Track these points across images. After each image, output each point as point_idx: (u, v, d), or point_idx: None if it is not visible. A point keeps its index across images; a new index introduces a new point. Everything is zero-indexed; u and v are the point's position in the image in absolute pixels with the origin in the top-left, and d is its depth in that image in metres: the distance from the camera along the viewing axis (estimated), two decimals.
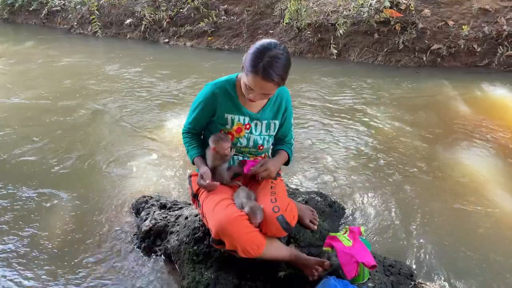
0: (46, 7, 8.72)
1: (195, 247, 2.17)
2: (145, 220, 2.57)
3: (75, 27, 8.28)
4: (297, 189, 2.83)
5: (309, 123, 4.08)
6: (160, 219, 2.53)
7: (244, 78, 1.85)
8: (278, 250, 2.05)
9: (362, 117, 4.22)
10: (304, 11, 6.45)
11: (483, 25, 5.82)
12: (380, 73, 5.66)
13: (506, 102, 4.62)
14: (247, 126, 2.09)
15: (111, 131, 4.03)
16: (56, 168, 3.36)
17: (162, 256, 2.39)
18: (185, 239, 2.22)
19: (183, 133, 2.23)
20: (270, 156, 2.33)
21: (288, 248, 2.13)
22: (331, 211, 2.64)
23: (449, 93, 4.90)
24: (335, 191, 2.97)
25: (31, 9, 8.97)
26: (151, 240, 2.46)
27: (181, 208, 2.66)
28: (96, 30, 7.72)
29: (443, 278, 2.19)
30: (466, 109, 4.43)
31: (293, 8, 6.51)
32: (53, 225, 2.69)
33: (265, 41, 1.83)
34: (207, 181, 2.01)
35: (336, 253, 1.94)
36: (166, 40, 7.46)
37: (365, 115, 4.26)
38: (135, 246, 2.49)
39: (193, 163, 2.15)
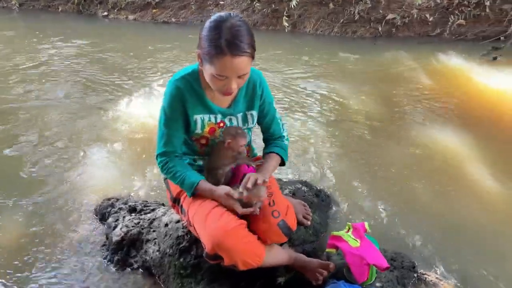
0: None
1: (181, 259, 1.90)
2: (114, 228, 2.24)
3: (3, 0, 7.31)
4: (280, 179, 2.63)
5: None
6: (133, 226, 2.22)
7: (209, 69, 1.52)
8: (277, 255, 1.85)
9: (325, 94, 4.06)
10: None
11: None
12: (337, 45, 5.52)
13: (462, 72, 4.66)
14: (221, 124, 1.79)
15: (58, 124, 3.55)
16: None
17: (140, 270, 2.10)
18: (168, 250, 1.95)
19: (160, 164, 1.79)
20: (253, 148, 2.08)
21: (286, 251, 1.93)
22: (319, 201, 2.46)
23: (408, 64, 4.87)
24: (317, 178, 2.80)
25: None
26: (124, 252, 2.15)
27: (153, 210, 2.36)
28: (12, 4, 6.80)
29: (443, 266, 2.11)
30: (427, 80, 4.42)
31: None
32: None
33: (214, 16, 1.53)
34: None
35: (343, 255, 1.77)
36: (105, 13, 6.79)
37: (328, 92, 4.10)
38: (105, 260, 2.16)
39: (193, 194, 1.74)
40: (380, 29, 5.78)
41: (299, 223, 2.14)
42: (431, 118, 3.56)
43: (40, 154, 3.08)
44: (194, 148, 1.85)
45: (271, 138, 1.97)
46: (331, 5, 5.92)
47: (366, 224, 1.88)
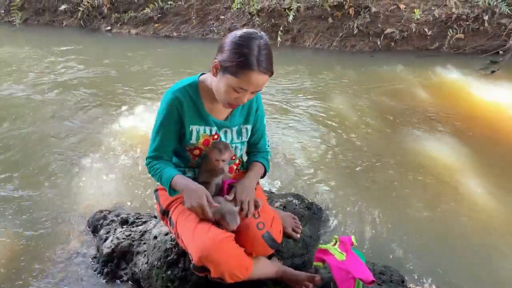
0: None
1: (168, 272, 1.90)
2: (105, 240, 2.26)
3: (2, 15, 7.44)
4: (272, 192, 2.64)
5: (267, 116, 3.88)
6: (124, 238, 2.23)
7: (229, 80, 1.55)
8: (264, 268, 1.85)
9: (323, 107, 4.09)
10: None
11: (433, 8, 5.89)
12: (336, 59, 5.57)
13: (459, 85, 4.68)
14: (215, 137, 1.82)
15: (52, 134, 3.59)
16: None
17: (129, 282, 2.11)
18: (156, 262, 1.95)
19: (147, 165, 1.84)
20: (243, 162, 2.10)
21: (274, 264, 1.93)
22: (310, 214, 2.47)
23: (406, 78, 4.90)
24: (309, 191, 2.81)
25: None
26: (114, 264, 2.16)
27: (145, 222, 2.37)
28: (15, 19, 6.91)
29: (434, 280, 2.10)
30: (424, 94, 4.43)
31: None
32: None
33: (241, 31, 1.57)
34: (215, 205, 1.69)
35: (330, 269, 1.77)
36: (108, 27, 6.90)
37: (326, 105, 4.13)
38: (96, 272, 2.17)
39: (171, 188, 1.76)
40: (379, 43, 5.83)
41: (289, 236, 2.14)
42: (428, 132, 3.57)
43: (33, 165, 3.11)
44: (187, 158, 1.87)
45: (256, 151, 2.02)
46: (330, 20, 5.98)
47: (353, 237, 1.88)
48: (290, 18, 5.88)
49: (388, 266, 2.09)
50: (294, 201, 2.49)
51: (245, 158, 2.09)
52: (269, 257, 2.02)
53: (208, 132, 1.80)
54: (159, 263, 1.94)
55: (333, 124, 3.74)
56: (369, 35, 5.88)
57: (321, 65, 5.27)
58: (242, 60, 1.51)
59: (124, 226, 2.36)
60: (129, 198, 2.74)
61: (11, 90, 4.53)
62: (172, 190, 1.80)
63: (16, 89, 4.56)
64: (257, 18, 6.14)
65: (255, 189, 1.94)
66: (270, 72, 1.57)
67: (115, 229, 2.32)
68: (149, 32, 6.74)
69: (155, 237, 2.07)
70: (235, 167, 2.02)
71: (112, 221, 2.41)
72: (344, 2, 5.90)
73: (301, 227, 2.21)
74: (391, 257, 2.24)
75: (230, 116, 1.83)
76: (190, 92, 1.74)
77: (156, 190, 2.02)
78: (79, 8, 6.89)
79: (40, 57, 5.58)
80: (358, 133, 3.56)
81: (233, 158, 1.93)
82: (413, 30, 5.77)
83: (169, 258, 1.93)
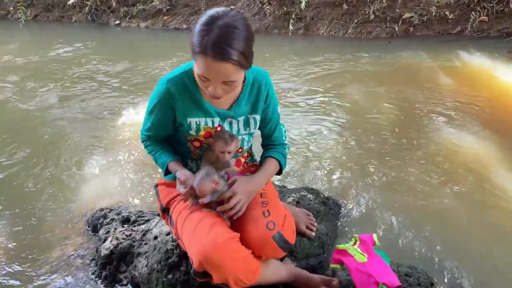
0: None
1: (169, 276, 1.73)
2: (104, 241, 2.09)
3: (12, 12, 7.38)
4: (284, 187, 2.44)
5: (282, 109, 3.65)
6: (124, 238, 2.06)
7: (195, 67, 1.38)
8: (275, 271, 1.66)
9: (340, 97, 3.85)
10: None
11: None
12: (351, 46, 5.30)
13: (485, 70, 4.38)
14: (219, 129, 1.62)
15: (54, 131, 3.45)
16: None
17: (129, 286, 1.94)
18: (156, 265, 1.78)
19: (142, 141, 1.74)
20: (253, 154, 1.90)
21: (286, 266, 1.74)
22: (326, 210, 2.26)
23: (427, 64, 4.62)
24: (325, 185, 2.59)
25: None
26: (113, 267, 1.99)
27: (148, 220, 2.20)
28: (21, 16, 6.83)
29: (465, 283, 1.87)
30: (447, 80, 4.15)
31: None
32: None
33: (211, 11, 1.35)
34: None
35: (349, 272, 1.56)
36: (117, 21, 6.77)
37: (343, 94, 3.90)
38: (94, 276, 2.01)
39: (167, 174, 1.66)
40: (396, 28, 5.54)
41: (302, 235, 1.94)
42: (453, 119, 3.31)
43: (35, 162, 2.97)
44: (188, 148, 1.69)
45: (272, 144, 1.81)
46: (344, 6, 5.72)
47: (374, 236, 1.67)
48: (303, 5, 5.64)
49: (415, 266, 1.87)
50: (308, 195, 2.28)
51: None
52: (281, 259, 1.83)
53: (210, 124, 1.60)
54: (159, 266, 1.76)
55: (350, 113, 3.51)
56: (386, 21, 5.59)
57: (336, 52, 5.01)
58: (198, 43, 1.31)
59: (125, 225, 2.19)
60: (133, 196, 2.57)
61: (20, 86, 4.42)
62: (168, 173, 1.67)
63: (27, 84, 4.45)
64: (268, 6, 5.90)
65: (266, 187, 1.74)
66: (230, 60, 1.30)
67: (115, 229, 2.16)
68: (158, 25, 6.58)
69: (156, 237, 1.89)
70: (243, 160, 1.82)
71: (113, 220, 2.25)
72: None
73: (316, 224, 2.01)
74: (417, 256, 2.02)
75: (234, 104, 1.62)
76: (185, 81, 1.54)
77: (156, 186, 1.84)
78: (87, 2, 6.78)
79: (47, 54, 5.47)
80: (377, 122, 3.32)
81: (240, 151, 1.74)
82: (433, 13, 5.46)
83: (170, 260, 1.76)
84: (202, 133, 1.61)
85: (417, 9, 5.55)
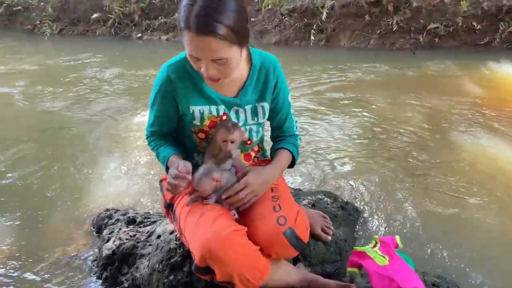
0: (4, 5, 7.97)
1: (171, 277, 1.59)
2: (107, 241, 1.98)
3: (38, 26, 7.58)
4: (300, 190, 2.29)
5: (303, 114, 3.53)
6: (127, 239, 1.94)
7: (184, 46, 1.28)
8: (286, 275, 1.50)
9: (362, 104, 3.71)
10: None
11: (481, 1, 5.38)
12: (375, 57, 5.15)
13: None
14: (224, 118, 1.50)
15: (68, 135, 3.41)
16: None
17: None
18: (157, 265, 1.64)
19: (147, 138, 1.63)
20: (264, 149, 1.76)
21: (298, 271, 1.58)
22: (345, 215, 2.08)
23: (453, 73, 4.44)
24: (345, 190, 2.43)
25: None
26: (115, 268, 1.87)
27: (154, 222, 2.08)
28: (46, 29, 7.00)
29: None
30: (475, 89, 3.95)
31: None
32: None
33: None
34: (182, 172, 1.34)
35: (368, 276, 1.39)
36: (139, 34, 6.84)
37: (365, 102, 3.75)
38: (94, 277, 1.89)
39: (168, 168, 1.52)
40: (421, 39, 5.38)
41: (318, 238, 1.78)
42: (483, 130, 3.09)
43: (44, 162, 2.92)
44: (194, 141, 1.58)
45: (282, 135, 1.67)
46: (367, 17, 5.60)
47: (397, 237, 1.51)
48: (324, 16, 5.56)
49: (443, 276, 1.67)
50: (325, 199, 2.12)
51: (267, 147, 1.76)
52: (294, 262, 1.68)
53: (214, 112, 1.48)
54: (160, 266, 1.63)
55: (374, 120, 3.34)
56: (410, 32, 5.44)
57: (358, 63, 4.87)
58: (181, 18, 1.21)
59: (130, 226, 2.07)
60: (141, 199, 2.47)
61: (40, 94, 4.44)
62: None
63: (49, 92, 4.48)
64: (287, 18, 5.85)
65: (277, 182, 1.60)
66: (214, 33, 1.18)
67: (120, 229, 2.04)
68: (179, 38, 6.59)
69: (159, 236, 1.77)
70: (253, 154, 1.69)
71: (118, 220, 2.14)
72: None
73: (333, 228, 1.84)
74: (445, 266, 1.82)
75: (241, 92, 1.50)
76: (186, 66, 1.43)
77: (161, 181, 1.73)
78: (110, 16, 6.89)
79: (70, 65, 5.53)
80: (402, 129, 3.14)
81: (249, 143, 1.61)
82: (460, 24, 5.28)
83: (172, 260, 1.62)
84: (206, 122, 1.49)
85: (442, 20, 5.38)
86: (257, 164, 1.68)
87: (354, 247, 1.49)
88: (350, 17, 5.68)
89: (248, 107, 1.53)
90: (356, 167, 2.66)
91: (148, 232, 1.98)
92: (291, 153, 1.61)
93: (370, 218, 2.18)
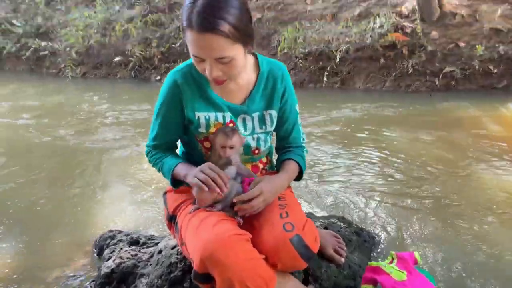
0: (31, 49, 8.35)
1: None
2: (107, 260, 1.88)
3: (63, 70, 7.88)
4: (311, 213, 2.17)
5: (315, 141, 3.47)
6: (128, 258, 1.84)
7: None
8: None
9: (378, 138, 3.63)
10: (303, 39, 6.06)
11: (497, 45, 5.39)
12: (391, 98, 5.12)
13: None
14: (231, 125, 1.46)
15: (77, 160, 3.41)
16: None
17: None
18: (156, 281, 1.54)
19: (147, 154, 1.57)
20: (272, 162, 1.69)
21: None
22: (360, 241, 1.95)
23: (472, 112, 4.35)
24: (360, 218, 2.30)
25: (19, 55, 8.62)
26: (113, 287, 1.76)
27: (158, 243, 1.98)
28: (68, 71, 7.29)
29: None
30: (495, 127, 3.85)
31: (290, 37, 6.13)
32: None
33: None
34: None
35: None
36: (158, 77, 7.02)
37: (381, 136, 3.67)
38: None
39: (174, 181, 1.46)
40: (437, 82, 5.35)
41: (330, 260, 1.65)
42: (505, 168, 2.94)
43: (51, 183, 2.91)
44: (200, 150, 1.52)
45: (288, 146, 1.61)
46: (382, 60, 5.65)
47: (416, 254, 1.38)
48: (337, 59, 5.64)
49: None
50: (338, 223, 2.01)
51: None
52: (304, 282, 1.55)
53: (220, 119, 1.44)
54: (159, 282, 1.52)
55: (389, 153, 3.23)
56: (425, 74, 5.43)
57: (373, 102, 4.85)
58: (184, 17, 1.21)
59: (133, 247, 1.98)
60: (146, 222, 2.38)
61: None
62: (175, 182, 1.45)
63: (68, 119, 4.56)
64: (301, 61, 5.95)
65: (285, 192, 1.52)
66: (215, 30, 1.17)
67: (121, 249, 1.95)
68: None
69: (160, 252, 1.67)
70: (261, 165, 1.62)
71: (120, 240, 2.05)
72: (397, 41, 5.58)
73: (346, 249, 1.71)
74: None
75: (248, 99, 1.47)
76: (193, 72, 1.42)
77: (165, 193, 1.66)
78: (131, 59, 7.13)
79: (85, 101, 5.67)
80: (419, 163, 3.03)
81: (257, 152, 1.55)
82: (476, 67, 5.26)
83: (172, 275, 1.51)
84: (212, 130, 1.45)
85: (458, 63, 5.38)
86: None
87: (369, 263, 1.36)
88: (365, 60, 5.73)
89: (255, 115, 1.49)
90: (370, 196, 2.54)
91: (150, 253, 1.89)
92: (298, 164, 1.55)
93: (386, 246, 2.04)
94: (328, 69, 5.81)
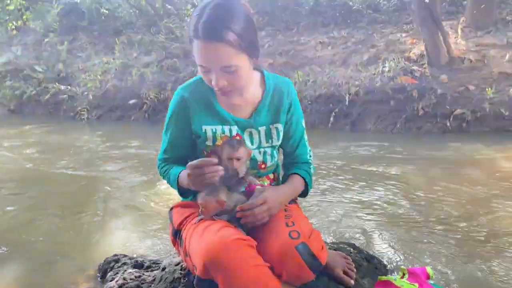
0: (50, 93, 8.65)
1: None
2: (110, 281, 1.83)
3: (80, 112, 8.09)
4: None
5: (324, 175, 3.44)
6: (131, 279, 1.80)
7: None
8: None
9: (390, 175, 3.58)
10: (313, 82, 6.19)
11: (507, 88, 5.42)
12: (401, 139, 5.11)
13: None
14: (237, 138, 1.48)
15: (88, 187, 3.42)
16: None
17: None
18: None
19: (158, 167, 1.60)
20: (279, 179, 1.68)
21: None
22: (371, 267, 1.87)
23: (485, 152, 4.29)
24: (371, 246, 2.23)
25: (38, 99, 8.92)
26: None
27: (163, 269, 1.93)
28: (84, 113, 7.53)
29: None
30: (510, 165, 3.78)
31: (300, 80, 6.26)
32: None
33: None
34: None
35: None
36: None
37: (393, 173, 3.63)
38: None
39: (180, 188, 1.47)
40: (448, 124, 5.35)
41: (339, 281, 1.59)
42: None
43: (58, 213, 2.90)
44: None
45: (295, 162, 1.61)
46: (392, 103, 5.70)
47: (428, 268, 1.33)
48: (347, 101, 5.72)
49: None
50: (348, 248, 1.94)
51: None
52: None
53: (227, 132, 1.47)
54: None
55: (402, 189, 3.18)
56: (436, 116, 5.44)
57: (384, 142, 4.85)
58: (190, 29, 1.26)
59: (136, 269, 1.93)
60: (152, 248, 2.34)
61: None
62: (182, 191, 1.45)
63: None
64: (311, 104, 6.05)
65: (290, 206, 1.50)
66: (220, 38, 1.22)
67: (125, 271, 1.90)
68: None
69: (163, 269, 1.63)
70: (267, 181, 1.61)
71: (124, 263, 2.01)
72: (407, 84, 5.66)
73: (355, 270, 1.65)
74: None
75: (254, 113, 1.50)
76: (200, 88, 1.47)
77: (171, 209, 1.65)
78: (146, 102, 7.32)
79: (97, 140, 5.77)
80: (432, 198, 2.97)
81: (263, 167, 1.55)
82: (487, 110, 5.27)
83: None
84: (219, 142, 1.47)
85: (469, 106, 5.39)
86: None
87: (379, 277, 1.30)
88: (375, 103, 5.79)
89: (262, 129, 1.51)
90: (384, 226, 2.48)
91: (154, 276, 1.83)
92: (304, 180, 1.54)
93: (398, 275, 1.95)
94: (338, 111, 5.87)
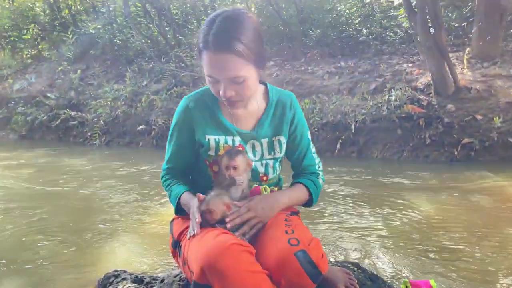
0: (60, 119, 8.81)
1: None
2: None
3: (89, 138, 8.20)
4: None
5: (336, 202, 3.40)
6: None
7: (204, 70, 1.35)
8: None
9: (397, 199, 3.55)
10: (319, 110, 6.23)
11: None
12: (409, 167, 5.08)
13: None
14: (240, 149, 1.50)
15: (93, 207, 3.41)
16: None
17: None
18: None
19: (162, 178, 1.62)
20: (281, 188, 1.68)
21: None
22: (375, 287, 1.83)
23: (495, 180, 4.24)
24: (376, 268, 2.18)
25: (49, 124, 9.08)
26: None
27: (162, 281, 1.90)
28: (96, 140, 7.65)
29: None
30: None
31: (307, 107, 6.31)
32: None
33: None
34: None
35: None
36: None
37: (401, 199, 3.59)
38: None
39: (178, 208, 1.49)
40: (456, 153, 5.31)
41: None
42: None
43: (60, 233, 2.88)
44: (209, 175, 1.53)
45: (301, 172, 1.61)
46: (399, 131, 5.70)
47: (431, 281, 1.29)
48: (353, 129, 5.74)
49: None
50: (352, 267, 1.90)
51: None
52: None
53: (230, 142, 1.49)
54: None
55: (410, 216, 3.14)
56: (443, 145, 5.42)
57: (391, 169, 4.82)
58: (200, 40, 1.30)
59: (136, 284, 1.90)
60: (153, 266, 2.31)
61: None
62: (180, 209, 1.46)
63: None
64: (318, 131, 6.07)
65: (291, 217, 1.49)
66: (230, 49, 1.25)
67: (124, 286, 1.87)
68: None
69: (162, 281, 1.60)
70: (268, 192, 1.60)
71: (124, 279, 1.97)
72: (413, 113, 5.67)
73: (358, 286, 1.61)
74: None
75: (257, 125, 1.52)
76: (205, 98, 1.50)
77: (172, 220, 1.65)
78: (154, 127, 7.40)
79: (105, 165, 5.81)
80: (440, 224, 2.93)
81: (265, 179, 1.55)
82: (495, 139, 5.23)
83: None
84: (221, 152, 1.48)
85: (476, 135, 5.37)
86: None
87: None
88: (381, 131, 5.79)
89: (264, 141, 1.52)
90: (390, 248, 2.43)
91: None
92: (308, 189, 1.53)
93: None
94: (344, 138, 5.88)
